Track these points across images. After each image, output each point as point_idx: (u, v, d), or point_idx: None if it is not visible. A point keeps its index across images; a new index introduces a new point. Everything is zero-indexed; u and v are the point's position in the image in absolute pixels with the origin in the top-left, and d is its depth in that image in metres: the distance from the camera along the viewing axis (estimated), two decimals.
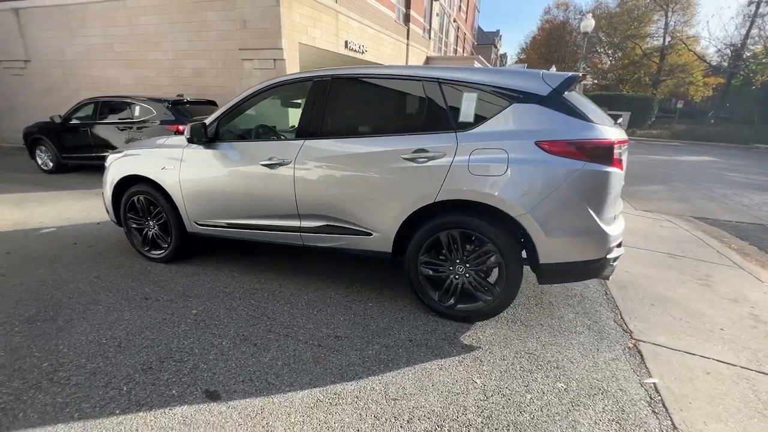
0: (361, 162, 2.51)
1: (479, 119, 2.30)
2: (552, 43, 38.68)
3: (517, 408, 1.79)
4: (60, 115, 7.46)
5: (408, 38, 15.91)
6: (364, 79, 2.64)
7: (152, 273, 3.19)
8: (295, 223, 2.78)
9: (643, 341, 2.39)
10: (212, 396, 1.82)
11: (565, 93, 2.23)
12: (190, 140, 2.92)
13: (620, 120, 21.09)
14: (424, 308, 2.63)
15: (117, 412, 1.72)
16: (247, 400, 1.80)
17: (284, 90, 2.94)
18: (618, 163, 2.19)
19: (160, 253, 3.40)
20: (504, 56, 58.00)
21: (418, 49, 17.08)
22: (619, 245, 2.38)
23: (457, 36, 25.64)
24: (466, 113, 2.33)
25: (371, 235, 2.59)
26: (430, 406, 1.80)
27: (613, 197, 2.21)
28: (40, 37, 10.76)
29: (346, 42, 10.72)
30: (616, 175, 2.18)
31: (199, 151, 2.99)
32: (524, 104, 2.23)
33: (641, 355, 2.24)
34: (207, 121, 2.95)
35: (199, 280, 3.07)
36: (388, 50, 13.85)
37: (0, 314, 2.53)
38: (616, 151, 2.15)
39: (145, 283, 3.01)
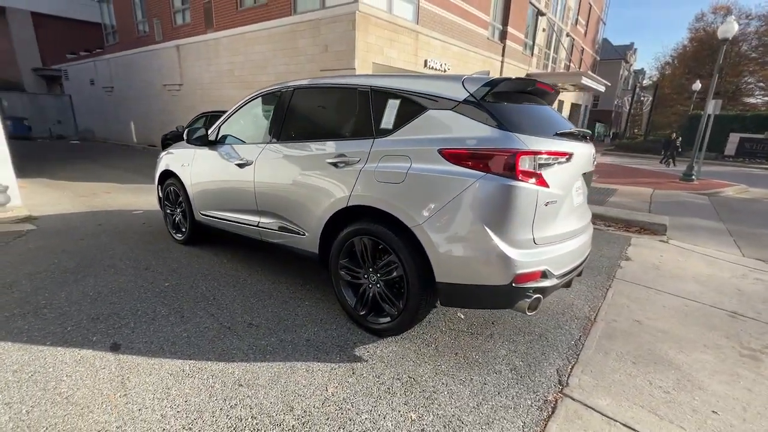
0: (297, 165, 2.68)
1: (398, 126, 2.25)
2: (704, 55, 32.42)
3: (341, 423, 1.68)
4: (183, 125, 9.44)
5: (503, 55, 15.37)
6: (314, 88, 2.82)
7: (168, 251, 3.86)
8: (256, 218, 3.06)
9: (573, 398, 1.94)
10: (114, 347, 2.18)
11: (489, 99, 2.02)
12: (188, 142, 3.49)
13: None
14: (345, 314, 2.61)
15: (48, 342, 2.20)
16: (133, 356, 2.10)
17: (266, 99, 3.29)
18: (530, 177, 1.88)
19: (180, 237, 4.08)
20: (641, 72, 50.71)
21: (516, 66, 16.32)
22: (549, 275, 2.00)
23: (573, 51, 23.58)
24: (387, 120, 2.30)
25: (304, 235, 2.70)
26: (263, 398, 1.82)
27: (521, 216, 1.90)
28: (190, 66, 13.74)
29: (425, 61, 10.98)
30: (525, 191, 1.88)
31: (204, 151, 3.55)
32: (438, 111, 2.10)
33: (550, 413, 1.83)
34: (215, 125, 3.49)
35: (195, 261, 3.59)
36: (477, 67, 13.62)
37: (53, 263, 3.41)
38: (524, 164, 1.86)
39: (157, 257, 3.66)
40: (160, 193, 4.35)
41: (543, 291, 2.01)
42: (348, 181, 2.33)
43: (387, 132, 2.28)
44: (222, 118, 3.49)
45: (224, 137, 3.49)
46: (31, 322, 2.42)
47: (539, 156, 1.90)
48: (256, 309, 2.71)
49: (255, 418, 1.70)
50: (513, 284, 1.91)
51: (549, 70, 20.61)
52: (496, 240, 1.90)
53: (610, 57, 39.08)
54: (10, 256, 3.56)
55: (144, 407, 1.74)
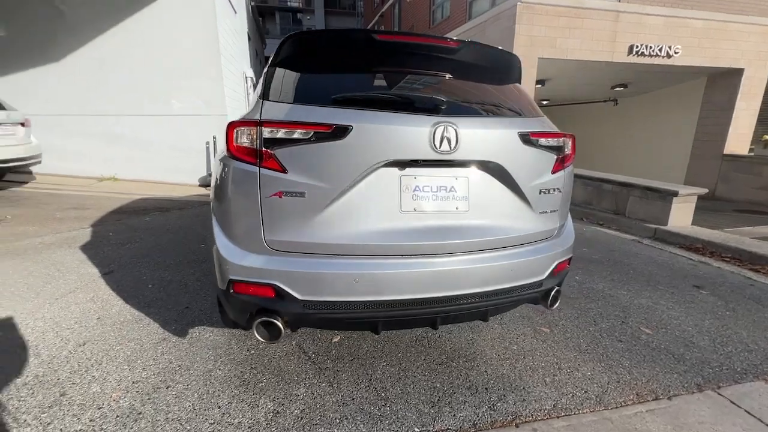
0: None
1: None
2: None
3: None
4: None
5: None
6: None
7: None
8: None
9: None
10: (106, 273, 3.09)
11: (287, 62, 1.63)
12: None
13: None
14: None
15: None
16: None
17: None
18: (250, 155, 1.39)
19: None
20: None
21: None
22: (288, 298, 1.40)
23: None
24: None
25: None
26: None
27: (239, 207, 1.44)
28: None
29: (631, 47, 8.42)
30: (241, 173, 1.42)
31: None
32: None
33: None
34: None
35: None
36: (748, 44, 9.15)
37: (142, 239, 4.98)
38: (240, 138, 1.40)
39: None
40: None
41: (278, 317, 1.44)
42: None
43: None
44: None
45: None
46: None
47: (266, 128, 1.38)
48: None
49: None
50: (231, 291, 1.48)
51: None
52: (216, 230, 1.54)
53: None
54: None
55: None
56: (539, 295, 1.77)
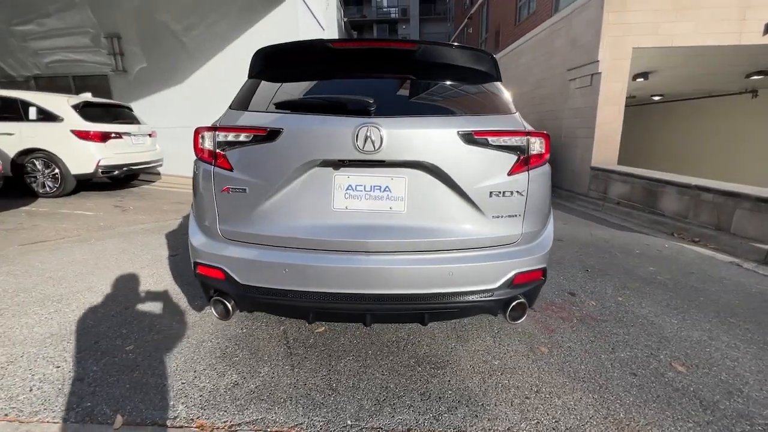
0: None
1: None
2: None
3: None
4: None
5: None
6: None
7: None
8: None
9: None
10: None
11: (261, 72, 1.85)
12: None
13: None
14: None
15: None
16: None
17: None
18: (208, 156, 1.61)
19: None
20: None
21: None
22: (232, 282, 1.59)
23: None
24: None
25: None
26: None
27: (202, 199, 1.66)
28: None
29: None
30: (203, 171, 1.64)
31: None
32: None
33: None
34: None
35: None
36: None
37: None
38: (203, 142, 1.63)
39: None
40: None
41: (228, 298, 1.64)
42: None
43: None
44: None
45: None
46: None
47: (220, 133, 1.59)
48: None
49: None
50: (196, 272, 1.73)
51: None
52: (191, 220, 1.80)
53: None
54: None
55: None
56: (493, 306, 1.64)
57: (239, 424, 1.58)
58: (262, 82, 1.77)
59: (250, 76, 1.83)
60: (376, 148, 1.46)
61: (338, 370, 1.94)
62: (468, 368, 1.98)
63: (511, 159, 1.57)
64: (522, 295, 1.66)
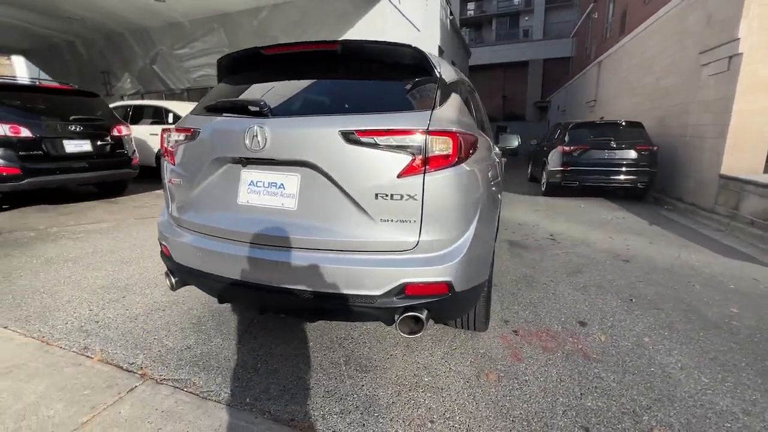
0: None
1: None
2: None
3: None
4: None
5: None
6: None
7: None
8: None
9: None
10: None
11: (227, 77, 2.11)
12: None
13: None
14: None
15: None
16: None
17: None
18: (166, 152, 1.91)
19: None
20: None
21: None
22: (170, 261, 1.87)
23: None
24: None
25: None
26: None
27: (165, 189, 1.97)
28: (604, 80, 13.40)
29: None
30: (164, 165, 1.94)
31: None
32: None
33: None
34: None
35: None
36: None
37: None
38: (165, 141, 1.93)
39: None
40: None
41: (170, 272, 1.93)
42: None
43: None
44: None
45: None
46: None
47: (169, 133, 1.88)
48: None
49: None
50: (162, 252, 2.07)
51: None
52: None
53: None
54: None
55: None
56: (379, 314, 1.55)
57: (167, 379, 1.86)
58: (219, 85, 2.02)
59: (218, 83, 2.10)
60: (262, 147, 1.54)
61: (273, 354, 2.09)
62: (392, 378, 1.90)
63: (403, 160, 1.46)
64: (420, 308, 1.53)
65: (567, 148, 7.31)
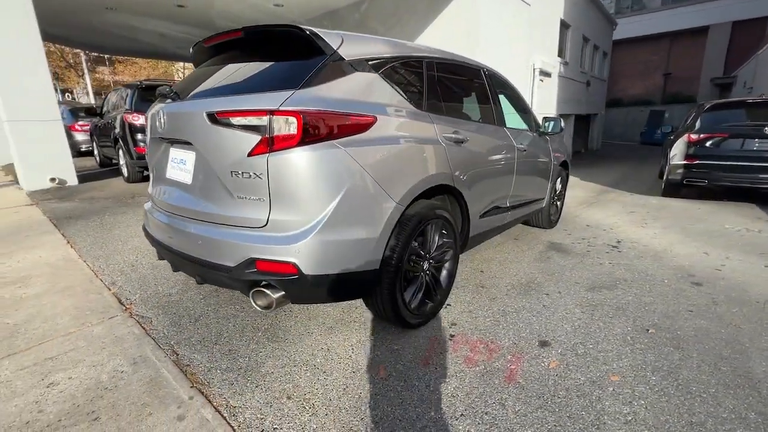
0: None
1: None
2: None
3: None
4: None
5: None
6: None
7: None
8: None
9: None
10: None
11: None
12: None
13: None
14: None
15: None
16: None
17: None
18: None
19: None
20: None
21: None
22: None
23: None
24: None
25: None
26: None
27: None
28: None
29: None
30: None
31: None
32: None
33: None
34: None
35: None
36: None
37: None
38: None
39: None
40: None
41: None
42: None
43: None
44: None
45: None
46: None
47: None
48: None
49: None
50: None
51: None
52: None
53: None
54: None
55: None
56: (237, 285, 1.65)
57: (138, 315, 2.35)
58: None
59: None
60: (162, 128, 1.79)
61: (218, 312, 2.39)
62: (290, 351, 1.97)
63: (253, 140, 1.49)
64: (270, 285, 1.58)
65: (694, 137, 5.68)
